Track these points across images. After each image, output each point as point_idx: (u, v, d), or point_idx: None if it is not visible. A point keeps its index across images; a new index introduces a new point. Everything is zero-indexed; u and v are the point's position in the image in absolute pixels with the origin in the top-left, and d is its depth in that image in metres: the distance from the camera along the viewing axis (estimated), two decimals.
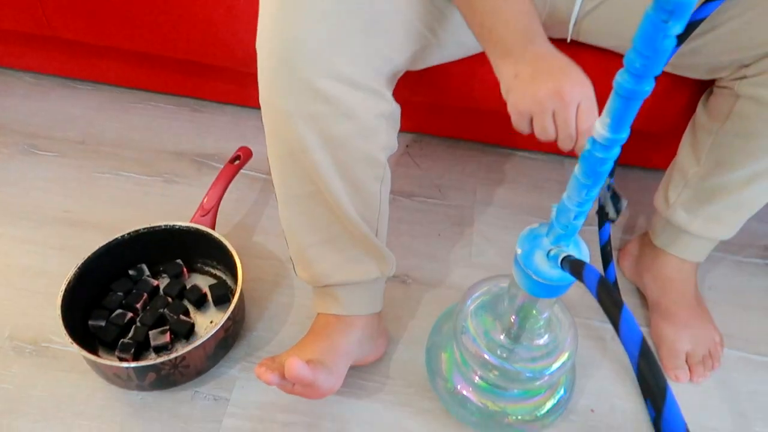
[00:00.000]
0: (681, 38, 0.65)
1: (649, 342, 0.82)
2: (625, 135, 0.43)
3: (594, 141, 0.44)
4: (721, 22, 0.64)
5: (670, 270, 0.80)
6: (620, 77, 0.39)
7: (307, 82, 0.56)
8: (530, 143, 1.07)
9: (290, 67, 0.56)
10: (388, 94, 0.62)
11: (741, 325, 0.85)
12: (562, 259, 0.50)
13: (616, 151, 0.44)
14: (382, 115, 0.61)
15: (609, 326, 0.83)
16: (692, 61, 0.70)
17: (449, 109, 0.98)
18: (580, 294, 0.86)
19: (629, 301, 0.87)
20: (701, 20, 0.63)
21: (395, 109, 0.64)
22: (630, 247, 0.89)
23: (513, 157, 1.07)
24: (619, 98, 0.40)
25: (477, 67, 0.81)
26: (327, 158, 0.59)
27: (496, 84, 0.81)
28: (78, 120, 1.09)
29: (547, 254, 0.54)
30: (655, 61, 0.37)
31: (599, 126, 0.43)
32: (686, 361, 0.79)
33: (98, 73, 1.12)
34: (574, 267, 0.47)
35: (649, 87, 0.39)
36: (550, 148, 1.07)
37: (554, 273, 0.54)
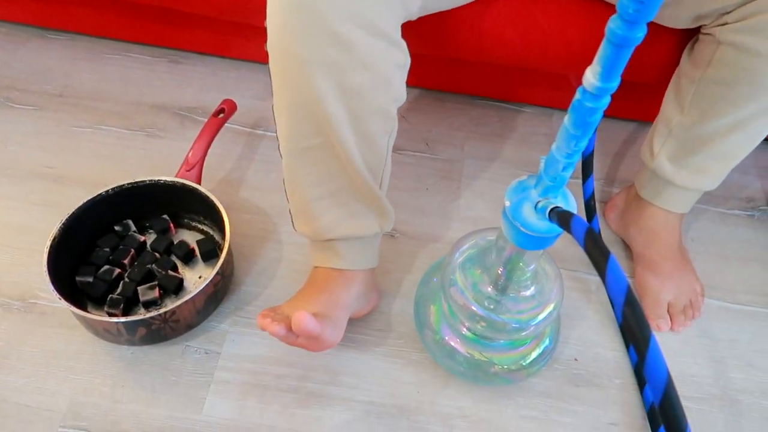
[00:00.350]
0: None
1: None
2: (615, 84, 0.42)
3: (584, 90, 0.43)
4: None
5: (656, 222, 0.81)
6: (612, 24, 0.39)
7: (327, 27, 0.52)
8: (519, 96, 1.06)
9: (309, 8, 0.51)
10: (403, 43, 0.60)
11: (722, 275, 0.87)
12: (550, 211, 0.50)
13: (606, 101, 0.44)
14: (397, 66, 0.59)
15: (594, 278, 0.85)
16: (676, 11, 0.69)
17: (438, 62, 0.96)
18: (566, 246, 0.87)
19: (615, 252, 0.88)
20: None
21: (408, 59, 0.61)
22: (616, 200, 0.90)
23: (502, 110, 1.06)
24: (610, 45, 0.40)
25: (468, 17, 0.79)
26: (341, 110, 0.57)
27: (486, 35, 0.80)
28: (54, 72, 1.06)
29: (535, 206, 0.54)
30: (648, 6, 0.37)
31: (589, 74, 0.42)
32: (668, 311, 0.81)
33: (73, 23, 1.08)
34: (562, 218, 0.47)
35: (641, 34, 0.38)
36: (540, 101, 1.06)
37: (542, 225, 0.54)
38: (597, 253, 0.42)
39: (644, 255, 0.83)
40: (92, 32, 1.10)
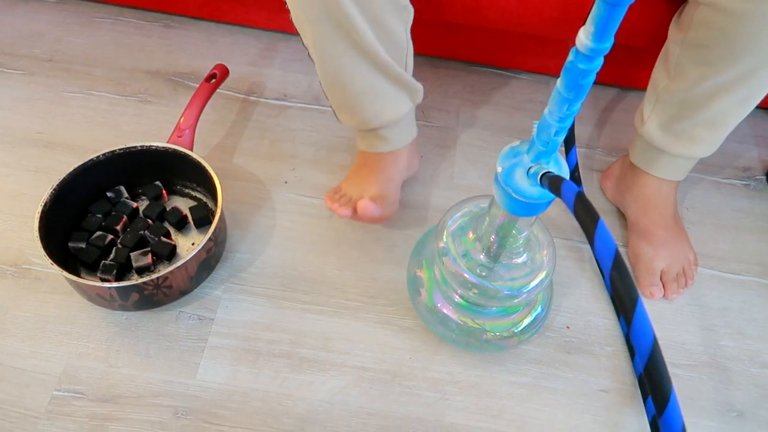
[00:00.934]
0: None
1: (626, 260, 0.84)
2: (608, 44, 0.41)
3: (577, 52, 0.42)
4: None
5: (650, 190, 0.81)
6: None
7: None
8: (515, 62, 1.04)
9: None
10: None
11: (716, 244, 0.87)
12: (542, 176, 0.50)
13: (599, 62, 0.43)
14: None
15: (587, 246, 0.85)
16: None
17: (433, 27, 0.94)
18: (560, 214, 0.87)
19: (610, 221, 0.88)
20: None
21: None
22: (612, 169, 0.89)
23: (497, 77, 1.05)
24: (604, 4, 0.38)
25: None
26: (358, 12, 0.63)
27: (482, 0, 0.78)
28: (44, 36, 1.04)
29: (527, 171, 0.53)
30: None
31: (582, 35, 0.41)
32: (661, 279, 0.81)
33: None
34: (553, 183, 0.47)
35: None
36: (535, 68, 1.05)
37: (534, 191, 0.53)
38: (586, 217, 0.41)
39: (638, 223, 0.83)
40: None
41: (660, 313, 0.80)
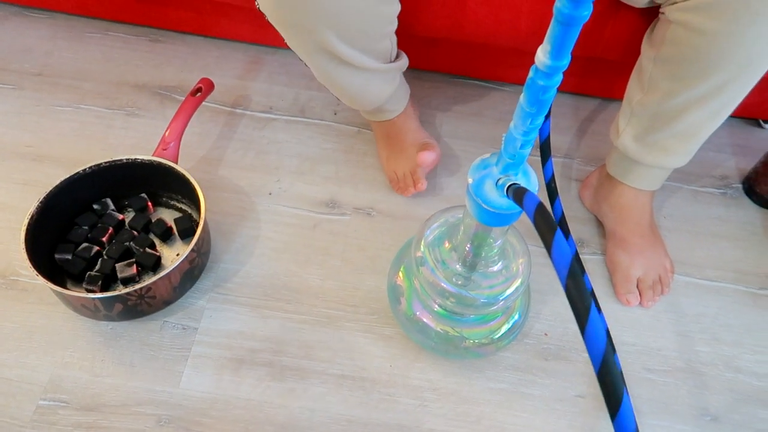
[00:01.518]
0: None
1: (605, 268, 0.86)
2: (565, 62, 0.43)
3: (536, 69, 0.44)
4: None
5: (626, 199, 0.83)
6: (559, 3, 0.39)
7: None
8: (496, 74, 1.07)
9: None
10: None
11: (693, 251, 0.89)
12: (508, 187, 0.51)
13: (558, 79, 0.45)
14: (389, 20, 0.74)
15: None
16: None
17: (416, 40, 0.96)
18: None
19: (589, 230, 0.90)
20: None
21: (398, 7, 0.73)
22: (590, 179, 0.91)
23: (479, 89, 1.07)
24: (558, 25, 0.40)
25: None
26: (346, 48, 0.70)
27: (457, 13, 0.80)
28: (34, 50, 1.06)
29: (496, 183, 0.55)
30: None
31: (540, 53, 0.43)
32: (637, 286, 0.82)
33: (52, 1, 1.08)
34: (517, 194, 0.49)
35: (587, 12, 0.39)
36: (515, 80, 1.07)
37: (503, 201, 0.55)
38: (545, 228, 0.43)
39: (615, 232, 0.85)
40: (73, 11, 1.10)
41: (636, 319, 0.81)
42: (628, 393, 0.73)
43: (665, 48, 0.69)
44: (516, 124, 0.50)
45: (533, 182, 0.56)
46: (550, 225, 0.43)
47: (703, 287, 0.85)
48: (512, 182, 0.52)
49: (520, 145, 0.51)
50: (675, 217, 0.93)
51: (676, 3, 0.66)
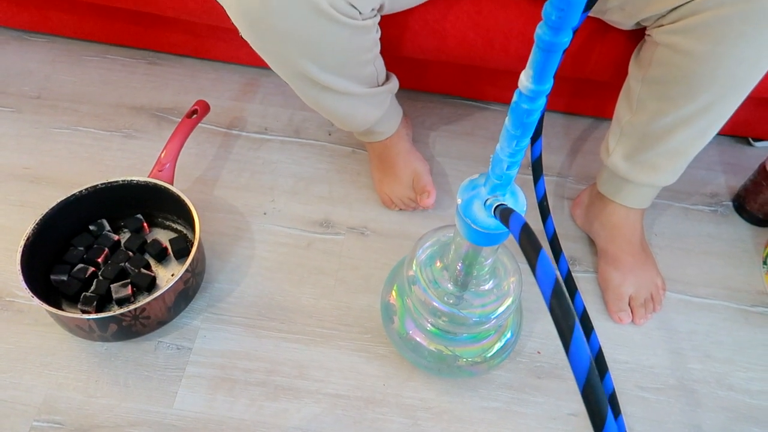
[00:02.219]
0: (589, 2, 0.68)
1: (597, 286, 0.86)
2: (548, 86, 0.44)
3: (520, 93, 0.46)
4: None
5: (617, 218, 0.84)
6: (539, 30, 0.41)
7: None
8: (488, 94, 1.08)
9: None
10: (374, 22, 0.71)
11: (684, 268, 0.89)
12: (495, 208, 0.52)
13: (542, 102, 0.46)
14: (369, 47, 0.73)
15: (558, 273, 0.87)
16: (620, 16, 0.72)
17: (409, 62, 0.98)
18: None
19: (581, 248, 0.91)
20: None
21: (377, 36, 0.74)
22: (581, 197, 0.92)
23: (471, 109, 1.09)
24: (539, 51, 0.42)
25: (430, 19, 0.81)
26: (328, 76, 0.71)
27: (448, 36, 0.82)
28: (33, 74, 1.07)
29: (484, 203, 0.56)
30: (569, 13, 0.39)
31: (523, 78, 0.44)
32: (629, 304, 0.83)
33: (52, 25, 1.10)
34: (503, 215, 0.50)
35: (566, 39, 0.40)
36: (507, 100, 1.08)
37: (491, 222, 0.56)
38: (529, 248, 0.44)
39: (607, 250, 0.85)
40: (71, 35, 1.11)
41: (629, 337, 0.82)
42: (615, 411, 0.73)
43: (652, 69, 0.70)
44: (502, 146, 0.51)
45: (521, 202, 0.57)
46: (534, 245, 0.44)
47: (694, 304, 0.86)
48: (500, 203, 0.53)
49: (506, 166, 0.52)
50: (666, 235, 0.93)
51: (662, 25, 0.67)
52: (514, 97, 0.47)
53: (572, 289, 0.85)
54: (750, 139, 1.08)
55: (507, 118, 0.49)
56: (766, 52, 0.63)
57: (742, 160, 1.04)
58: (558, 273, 0.43)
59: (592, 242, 0.91)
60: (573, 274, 0.86)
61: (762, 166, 0.91)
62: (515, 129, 0.49)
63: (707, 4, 0.61)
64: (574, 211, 0.93)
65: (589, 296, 0.85)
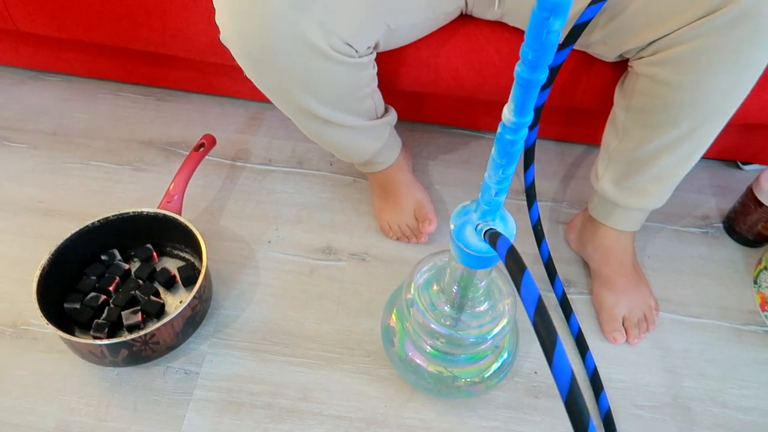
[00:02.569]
0: (573, 37, 0.73)
1: (592, 308, 0.89)
2: (529, 118, 0.48)
3: (504, 125, 0.49)
4: (616, 14, 0.70)
5: (609, 240, 0.86)
6: (518, 68, 0.45)
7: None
8: (483, 124, 1.12)
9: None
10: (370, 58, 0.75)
11: (677, 289, 0.92)
12: (485, 233, 0.56)
13: (524, 133, 0.49)
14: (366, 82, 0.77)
15: (553, 294, 0.89)
16: (603, 50, 0.76)
17: (405, 94, 1.02)
18: (528, 266, 0.92)
19: (576, 270, 0.94)
20: (589, 21, 0.71)
21: (374, 69, 0.78)
22: (574, 221, 0.95)
23: (467, 138, 1.13)
24: (519, 87, 0.46)
25: (424, 55, 0.85)
26: (323, 108, 0.74)
27: (442, 71, 0.86)
28: (48, 112, 1.13)
29: (476, 228, 0.59)
30: (544, 53, 0.43)
31: (506, 111, 0.48)
32: (623, 324, 0.85)
33: (66, 65, 1.15)
34: (492, 238, 0.53)
35: (543, 75, 0.44)
36: None
37: (482, 245, 0.59)
38: (514, 268, 0.47)
39: (600, 272, 0.88)
40: (85, 74, 1.17)
41: (624, 356, 0.84)
42: (610, 429, 0.75)
43: (635, 98, 0.74)
44: (490, 174, 0.55)
45: (510, 227, 0.61)
46: (519, 266, 0.47)
47: (688, 324, 0.88)
48: (489, 227, 0.56)
49: (494, 192, 0.56)
50: (659, 257, 0.96)
51: (642, 57, 0.71)
52: (499, 129, 0.50)
53: (567, 310, 0.88)
54: (739, 163, 1.11)
55: (493, 148, 0.53)
56: (740, 82, 0.67)
57: (731, 182, 1.07)
58: (541, 293, 0.46)
59: (586, 265, 0.93)
60: (569, 296, 0.89)
61: (749, 189, 0.94)
62: (501, 158, 0.52)
63: (682, 37, 0.65)
64: (568, 234, 0.96)
65: (584, 317, 0.88)
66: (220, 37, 0.69)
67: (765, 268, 0.91)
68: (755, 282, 0.92)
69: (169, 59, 1.05)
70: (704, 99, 0.69)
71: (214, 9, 0.67)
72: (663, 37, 0.67)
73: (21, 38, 1.08)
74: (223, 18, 0.66)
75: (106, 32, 0.95)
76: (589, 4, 0.69)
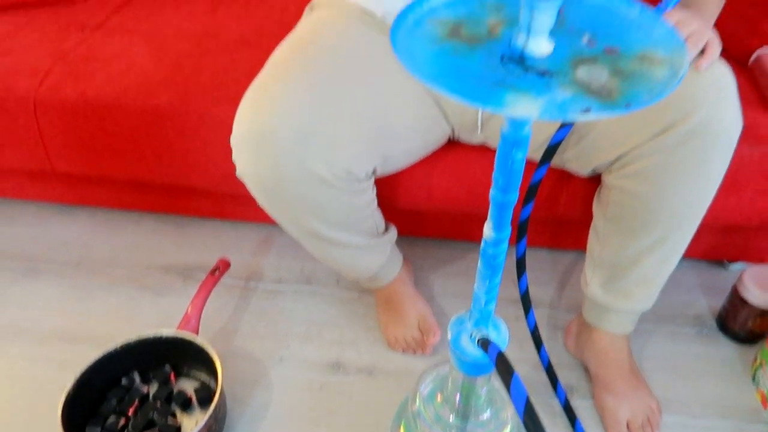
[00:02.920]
0: (548, 156, 0.82)
1: (596, 412, 0.91)
2: (507, 233, 0.55)
3: (485, 241, 0.56)
4: (584, 135, 0.79)
5: (604, 344, 0.90)
6: (492, 191, 0.52)
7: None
8: (479, 237, 1.19)
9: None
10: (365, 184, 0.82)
11: (676, 390, 0.94)
12: (478, 340, 0.61)
13: (504, 247, 0.56)
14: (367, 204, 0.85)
15: (557, 401, 0.91)
16: (577, 166, 0.84)
17: (403, 212, 1.11)
18: (529, 372, 0.95)
19: (577, 374, 0.96)
20: (560, 142, 0.80)
21: (374, 191, 0.86)
22: (571, 326, 0.99)
23: (465, 250, 1.20)
24: (494, 207, 0.53)
25: (418, 176, 0.94)
26: (328, 230, 0.82)
27: (435, 190, 0.95)
28: (74, 243, 1.22)
29: (470, 336, 0.64)
30: (511, 178, 0.50)
31: (486, 229, 0.55)
32: (627, 428, 0.86)
33: (93, 199, 1.26)
34: (484, 345, 0.58)
35: (513, 197, 0.52)
36: None
37: (477, 352, 0.64)
38: (504, 371, 0.52)
39: (599, 375, 0.91)
40: (109, 205, 1.27)
41: None
42: None
43: (610, 208, 0.82)
44: (478, 285, 0.61)
45: (503, 333, 0.66)
46: (508, 369, 0.52)
47: (691, 426, 0.89)
48: (481, 335, 0.62)
49: (484, 302, 0.62)
50: (656, 359, 0.99)
51: (612, 171, 0.79)
52: (482, 245, 0.57)
53: (572, 417, 0.89)
54: (725, 262, 1.17)
55: (479, 261, 0.59)
56: (700, 191, 0.74)
57: (719, 281, 1.12)
58: (529, 396, 0.50)
59: (587, 369, 0.96)
60: (572, 402, 0.91)
61: (734, 288, 0.99)
62: (486, 270, 0.59)
63: (643, 153, 0.73)
64: (566, 340, 1.00)
65: (588, 422, 0.89)
66: (237, 173, 0.78)
67: (761, 366, 0.93)
68: (753, 380, 0.94)
69: (188, 190, 1.15)
70: (670, 207, 0.76)
71: (231, 149, 0.77)
72: (626, 154, 0.75)
73: (53, 177, 1.20)
74: (239, 157, 0.76)
75: (134, 170, 1.06)
76: (559, 129, 0.79)
